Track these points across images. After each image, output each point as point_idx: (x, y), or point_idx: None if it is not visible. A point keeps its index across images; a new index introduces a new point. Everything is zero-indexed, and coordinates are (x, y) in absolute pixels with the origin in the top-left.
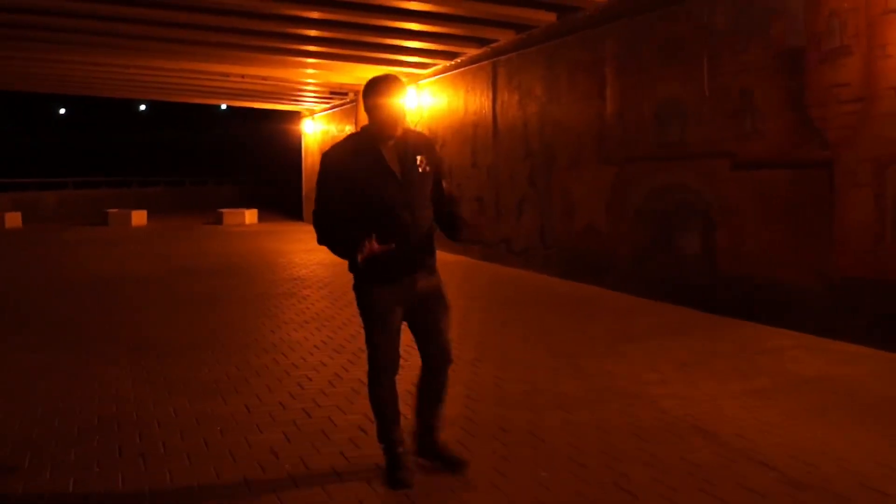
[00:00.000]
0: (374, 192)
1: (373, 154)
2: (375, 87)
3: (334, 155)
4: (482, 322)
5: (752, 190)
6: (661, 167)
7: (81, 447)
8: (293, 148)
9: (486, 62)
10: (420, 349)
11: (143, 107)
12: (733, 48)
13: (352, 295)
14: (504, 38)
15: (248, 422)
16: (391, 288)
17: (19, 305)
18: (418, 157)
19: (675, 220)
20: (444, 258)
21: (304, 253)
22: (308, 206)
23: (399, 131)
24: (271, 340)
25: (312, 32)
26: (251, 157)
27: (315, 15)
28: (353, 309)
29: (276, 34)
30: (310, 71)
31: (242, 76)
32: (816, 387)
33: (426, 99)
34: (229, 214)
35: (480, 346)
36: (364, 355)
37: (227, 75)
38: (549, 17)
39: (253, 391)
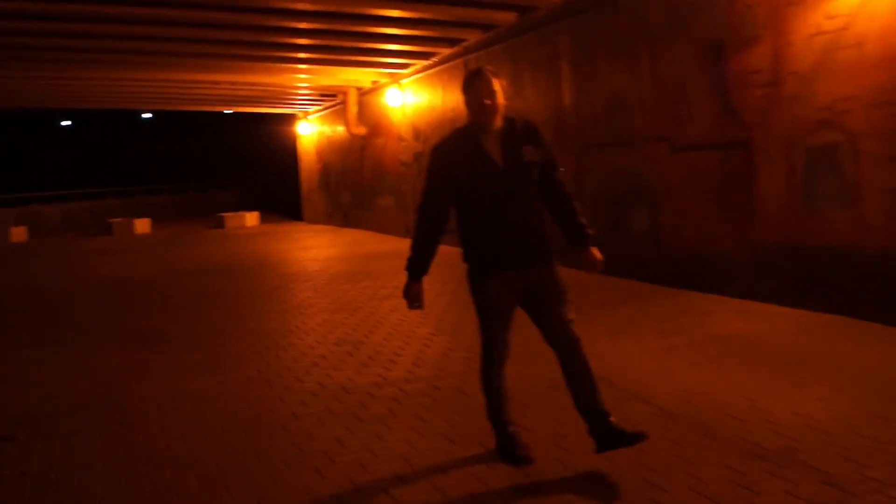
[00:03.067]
0: (476, 183)
1: (474, 146)
2: (464, 82)
3: (440, 148)
4: (449, 301)
5: (688, 171)
6: (612, 154)
7: (71, 420)
8: (290, 150)
9: (458, 60)
10: (546, 340)
11: (147, 115)
12: (667, 41)
13: (324, 286)
14: (472, 37)
15: (216, 395)
16: (500, 279)
17: (23, 309)
18: (525, 148)
19: (626, 201)
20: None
21: (297, 251)
22: (307, 207)
23: (495, 122)
24: (250, 328)
25: (302, 41)
26: (251, 161)
27: (304, 25)
28: (331, 297)
29: (269, 44)
30: (301, 76)
31: (233, 83)
32: (725, 342)
33: (409, 97)
34: (230, 218)
35: (461, 324)
36: (330, 335)
37: (219, 83)
38: (510, 17)
39: (225, 371)
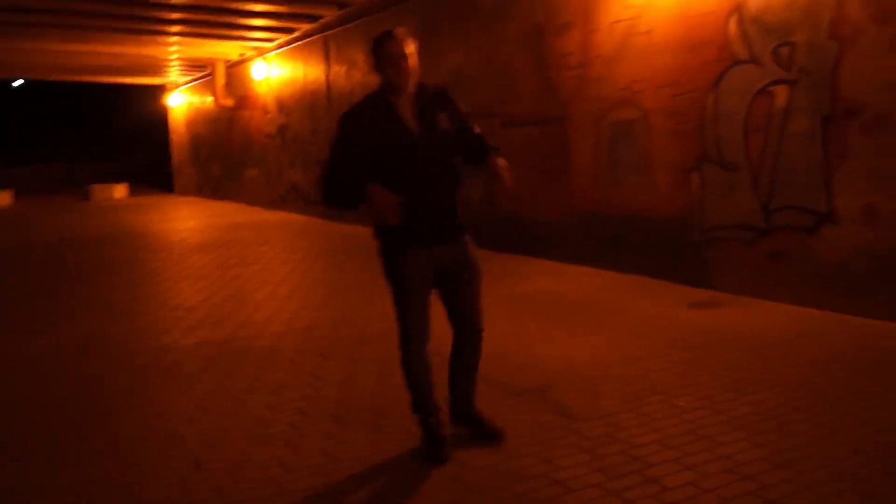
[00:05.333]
0: (389, 151)
1: (386, 111)
2: (374, 43)
3: (349, 114)
4: (307, 271)
5: (517, 144)
6: None
7: None
8: (161, 121)
9: (317, 36)
10: (450, 319)
11: (18, 82)
12: (498, 23)
13: (177, 256)
14: (329, 14)
15: (51, 357)
16: (417, 254)
17: None
18: (439, 115)
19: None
20: (288, 218)
21: (159, 223)
22: (178, 179)
23: (409, 85)
24: (91, 297)
25: (172, 15)
26: (123, 132)
27: (176, 1)
28: (181, 267)
29: (139, 17)
30: (171, 48)
31: (103, 53)
32: (530, 300)
33: (273, 70)
34: (98, 190)
35: (297, 289)
36: (170, 302)
37: (88, 52)
38: None
39: (58, 334)
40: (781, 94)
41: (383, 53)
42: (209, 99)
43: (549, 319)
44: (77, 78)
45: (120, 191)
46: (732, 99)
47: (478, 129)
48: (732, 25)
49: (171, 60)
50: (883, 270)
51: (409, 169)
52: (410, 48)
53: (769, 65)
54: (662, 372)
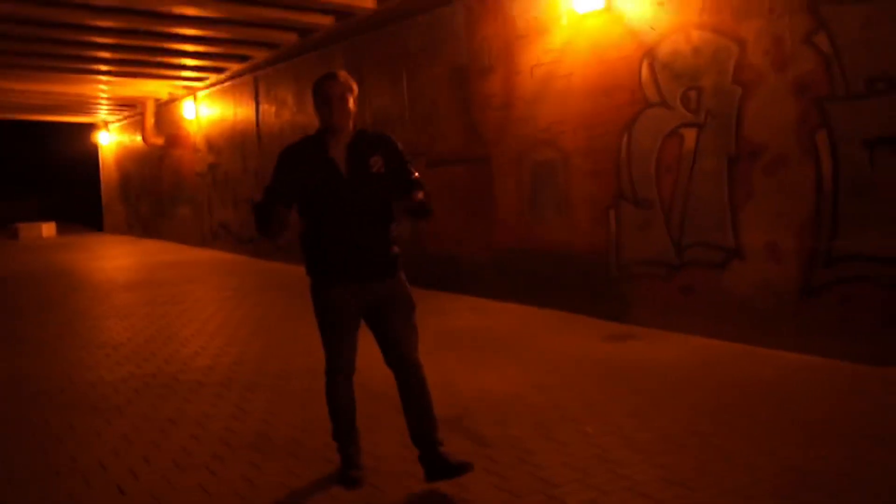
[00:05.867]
0: (319, 191)
1: (320, 151)
2: (316, 84)
3: (286, 150)
4: (235, 308)
5: (442, 183)
6: None
7: None
8: (91, 159)
9: (248, 76)
10: (384, 357)
11: None
12: (424, 65)
13: (105, 295)
14: (260, 55)
15: None
16: (344, 290)
17: None
18: (372, 159)
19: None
20: (218, 256)
21: (88, 262)
22: (107, 217)
23: (346, 127)
24: (17, 336)
25: (102, 54)
26: (53, 170)
27: (104, 40)
28: (108, 305)
29: (70, 56)
30: (101, 87)
31: (33, 92)
32: (452, 335)
33: (203, 110)
34: (25, 228)
35: (224, 325)
36: (95, 339)
37: (18, 91)
38: (292, 37)
39: None
40: (690, 136)
41: (323, 94)
42: (139, 138)
43: (470, 353)
44: (5, 116)
45: (48, 229)
46: (645, 140)
47: (416, 175)
48: (645, 70)
49: (101, 99)
50: (782, 303)
51: (337, 209)
52: (350, 91)
53: (678, 108)
54: (573, 401)
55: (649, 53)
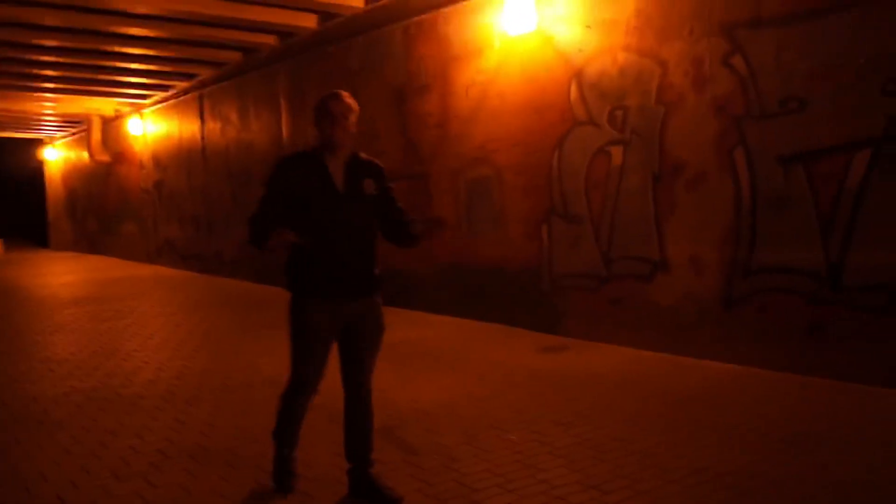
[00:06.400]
0: (312, 204)
1: (319, 168)
2: (320, 101)
3: (282, 163)
4: (179, 323)
5: None
6: None
7: None
8: (37, 175)
9: (193, 94)
10: (342, 372)
11: None
12: (364, 84)
13: (49, 310)
14: (205, 73)
15: None
16: (324, 306)
17: None
18: (366, 181)
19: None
20: (164, 272)
21: (33, 278)
22: (54, 234)
23: (342, 147)
24: None
25: (47, 71)
26: None
27: (49, 58)
28: (53, 321)
29: (14, 73)
30: (46, 104)
31: None
32: (390, 347)
33: (149, 126)
34: None
35: (167, 340)
36: (38, 355)
37: None
38: (236, 56)
39: None
40: (617, 153)
41: (327, 112)
42: (85, 154)
43: (405, 366)
44: None
45: None
46: (574, 157)
47: (400, 204)
48: (574, 90)
49: (46, 115)
50: (705, 314)
51: (330, 224)
52: (353, 111)
53: (605, 126)
54: (501, 410)
55: (578, 74)
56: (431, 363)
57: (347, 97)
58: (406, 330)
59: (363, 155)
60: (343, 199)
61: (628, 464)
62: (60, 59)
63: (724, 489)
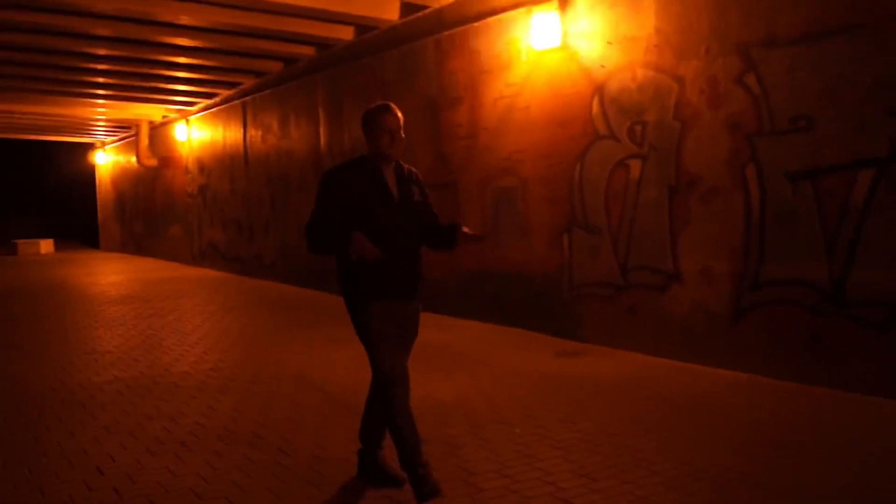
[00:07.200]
0: (372, 210)
1: (375, 175)
2: (370, 114)
3: (336, 173)
4: (218, 321)
5: None
6: None
7: None
8: (89, 178)
9: (236, 102)
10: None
11: None
12: (398, 95)
13: (97, 307)
14: (247, 82)
15: None
16: (382, 308)
17: None
18: (413, 187)
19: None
20: (206, 273)
21: (83, 277)
22: (104, 235)
23: (393, 158)
24: (15, 344)
25: (99, 79)
26: (51, 188)
27: (101, 66)
28: (100, 317)
29: (69, 81)
30: (98, 109)
31: (34, 113)
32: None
33: (195, 133)
34: (24, 245)
35: (205, 337)
36: (85, 346)
37: (19, 113)
38: (277, 66)
39: None
40: (635, 166)
41: (378, 124)
42: (133, 158)
43: (426, 365)
44: (7, 136)
45: (46, 246)
46: (595, 170)
47: (434, 210)
48: (595, 105)
49: (98, 121)
50: (715, 324)
51: (386, 228)
52: (401, 124)
53: (625, 141)
54: (510, 407)
55: (599, 89)
56: (450, 363)
57: (396, 110)
58: (430, 333)
59: (405, 164)
60: (399, 206)
61: (620, 458)
62: (112, 68)
63: (704, 483)
